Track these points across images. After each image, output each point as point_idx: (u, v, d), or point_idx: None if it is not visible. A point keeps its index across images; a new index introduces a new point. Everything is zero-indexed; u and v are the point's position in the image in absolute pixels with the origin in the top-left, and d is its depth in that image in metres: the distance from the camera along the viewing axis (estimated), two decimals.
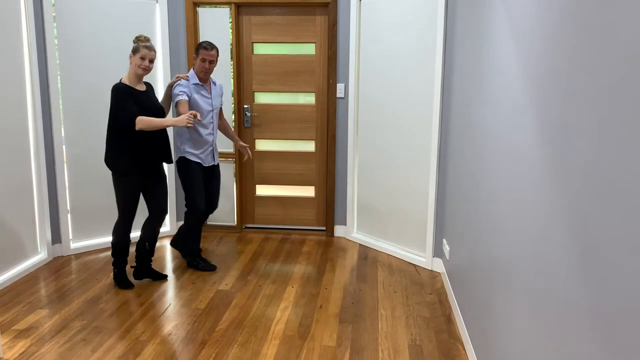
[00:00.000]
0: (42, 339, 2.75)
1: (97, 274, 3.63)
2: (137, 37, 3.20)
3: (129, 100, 3.13)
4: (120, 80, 3.19)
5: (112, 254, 3.39)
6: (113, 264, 3.42)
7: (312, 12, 4.30)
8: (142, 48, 3.15)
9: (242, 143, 3.78)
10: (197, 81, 3.49)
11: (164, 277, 3.55)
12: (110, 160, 3.24)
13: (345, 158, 4.37)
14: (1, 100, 3.37)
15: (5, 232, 3.45)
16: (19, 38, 3.52)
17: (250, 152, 3.82)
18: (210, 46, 3.45)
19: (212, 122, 3.60)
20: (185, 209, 3.77)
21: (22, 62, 3.55)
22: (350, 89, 4.23)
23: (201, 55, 3.44)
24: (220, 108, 3.75)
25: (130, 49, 4.09)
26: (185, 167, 3.55)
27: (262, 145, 4.59)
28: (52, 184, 3.87)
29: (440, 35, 3.53)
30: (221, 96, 3.71)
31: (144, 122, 3.11)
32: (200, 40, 4.35)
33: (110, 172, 3.95)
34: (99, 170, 4.09)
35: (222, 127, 3.82)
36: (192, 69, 3.52)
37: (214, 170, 3.71)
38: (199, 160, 3.56)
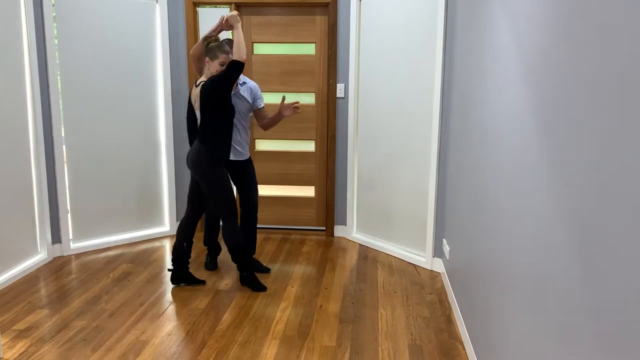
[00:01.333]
0: (42, 339, 2.75)
1: (97, 274, 3.62)
2: (207, 40, 3.19)
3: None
4: (203, 81, 3.21)
5: (239, 258, 3.32)
6: (242, 268, 3.35)
7: (312, 12, 4.30)
8: (221, 54, 3.17)
9: (286, 105, 3.54)
10: None
11: (201, 282, 3.47)
12: (210, 155, 3.17)
13: (345, 158, 4.37)
14: (1, 101, 3.37)
15: (5, 232, 3.45)
16: (19, 38, 3.52)
17: (294, 106, 3.54)
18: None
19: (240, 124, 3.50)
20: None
21: (22, 62, 3.55)
22: (350, 89, 4.23)
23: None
24: (261, 109, 3.58)
25: (129, 49, 4.11)
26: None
27: (262, 145, 4.59)
28: (52, 184, 3.87)
29: (440, 35, 3.53)
30: (255, 99, 3.53)
31: (237, 49, 3.06)
32: (200, 39, 4.35)
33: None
34: (99, 171, 4.09)
35: (266, 124, 3.64)
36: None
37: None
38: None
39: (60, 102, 3.85)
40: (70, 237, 4.02)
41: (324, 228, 4.62)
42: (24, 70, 3.57)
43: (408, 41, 3.78)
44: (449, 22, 3.51)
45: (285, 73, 4.42)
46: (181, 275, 3.40)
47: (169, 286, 3.44)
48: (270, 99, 4.50)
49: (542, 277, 1.55)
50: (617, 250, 1.07)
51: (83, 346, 2.69)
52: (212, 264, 3.74)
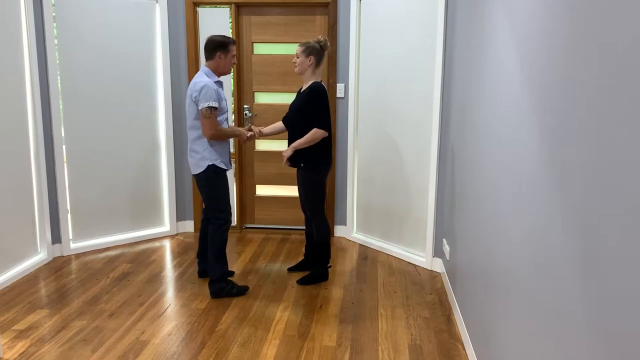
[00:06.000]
0: (42, 339, 2.75)
1: (97, 274, 3.62)
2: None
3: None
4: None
5: (324, 255, 3.50)
6: (322, 266, 3.51)
7: (312, 12, 4.30)
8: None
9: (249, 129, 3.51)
10: (217, 79, 3.24)
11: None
12: (312, 158, 3.33)
13: (345, 158, 4.37)
14: (1, 100, 3.37)
15: (5, 232, 3.45)
16: (19, 38, 3.52)
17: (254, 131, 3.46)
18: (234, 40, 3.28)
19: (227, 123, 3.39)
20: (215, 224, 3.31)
21: (22, 62, 3.55)
22: (350, 89, 4.23)
23: (232, 51, 3.24)
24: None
25: (129, 49, 4.11)
26: (215, 175, 3.25)
27: (262, 145, 4.59)
28: (52, 184, 3.87)
29: (440, 35, 3.53)
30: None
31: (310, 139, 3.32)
32: (200, 40, 4.35)
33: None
34: (99, 170, 4.09)
35: None
36: (205, 67, 3.21)
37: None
38: (225, 167, 3.29)
39: (60, 102, 3.85)
40: (70, 237, 4.02)
41: None
42: (24, 71, 3.57)
43: (408, 41, 3.78)
44: (449, 22, 3.50)
45: (285, 73, 4.42)
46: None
47: (169, 286, 3.44)
48: (270, 99, 4.50)
49: (542, 276, 1.55)
50: (618, 250, 1.07)
51: (83, 346, 2.69)
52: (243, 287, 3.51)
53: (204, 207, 3.49)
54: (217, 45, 3.20)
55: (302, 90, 3.40)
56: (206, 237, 3.50)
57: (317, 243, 3.48)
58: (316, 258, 3.51)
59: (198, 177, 3.26)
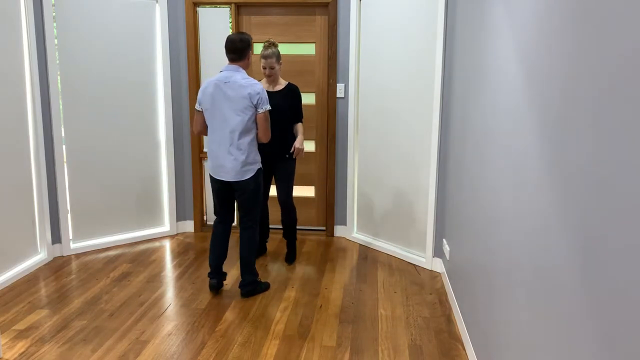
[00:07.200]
0: (42, 339, 2.75)
1: (97, 274, 3.63)
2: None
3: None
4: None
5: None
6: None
7: (312, 12, 4.30)
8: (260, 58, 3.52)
9: None
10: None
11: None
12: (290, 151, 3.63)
13: (345, 158, 4.37)
14: (1, 100, 3.37)
15: (5, 232, 3.45)
16: (19, 38, 3.52)
17: None
18: None
19: None
20: (250, 227, 3.30)
21: (22, 62, 3.55)
22: (350, 89, 4.23)
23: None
24: None
25: (129, 49, 4.11)
26: (260, 178, 3.29)
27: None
28: (52, 184, 3.87)
29: (440, 35, 3.53)
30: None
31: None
32: (200, 40, 4.35)
33: None
34: (99, 171, 4.09)
35: None
36: (239, 67, 3.14)
37: None
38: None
39: (60, 102, 3.85)
40: (70, 237, 4.02)
41: (324, 228, 4.62)
42: (24, 70, 3.57)
43: (408, 41, 3.78)
44: (449, 22, 3.50)
45: (285, 73, 4.42)
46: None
47: (169, 286, 3.44)
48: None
49: (542, 276, 1.55)
50: (616, 249, 1.07)
51: (83, 346, 2.69)
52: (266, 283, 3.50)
53: (223, 212, 3.29)
54: (248, 45, 3.13)
55: (274, 90, 3.68)
56: (226, 247, 3.33)
57: (291, 224, 3.87)
58: (292, 237, 3.93)
59: (245, 183, 3.15)
